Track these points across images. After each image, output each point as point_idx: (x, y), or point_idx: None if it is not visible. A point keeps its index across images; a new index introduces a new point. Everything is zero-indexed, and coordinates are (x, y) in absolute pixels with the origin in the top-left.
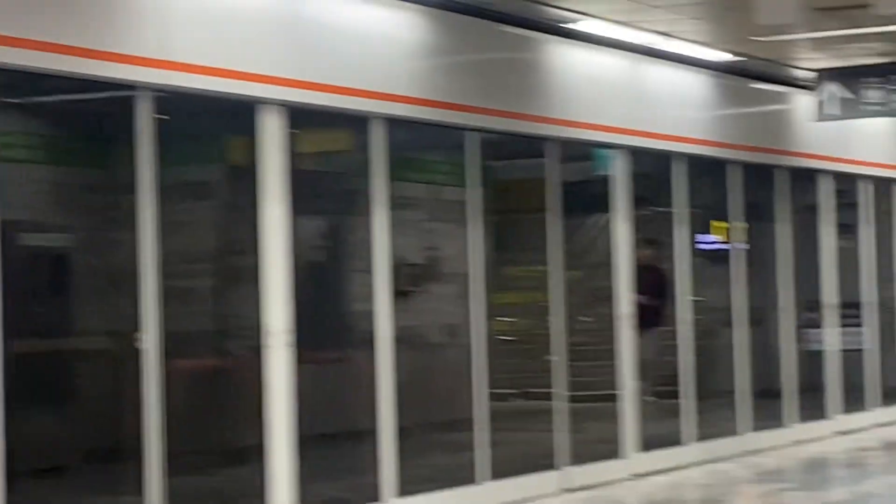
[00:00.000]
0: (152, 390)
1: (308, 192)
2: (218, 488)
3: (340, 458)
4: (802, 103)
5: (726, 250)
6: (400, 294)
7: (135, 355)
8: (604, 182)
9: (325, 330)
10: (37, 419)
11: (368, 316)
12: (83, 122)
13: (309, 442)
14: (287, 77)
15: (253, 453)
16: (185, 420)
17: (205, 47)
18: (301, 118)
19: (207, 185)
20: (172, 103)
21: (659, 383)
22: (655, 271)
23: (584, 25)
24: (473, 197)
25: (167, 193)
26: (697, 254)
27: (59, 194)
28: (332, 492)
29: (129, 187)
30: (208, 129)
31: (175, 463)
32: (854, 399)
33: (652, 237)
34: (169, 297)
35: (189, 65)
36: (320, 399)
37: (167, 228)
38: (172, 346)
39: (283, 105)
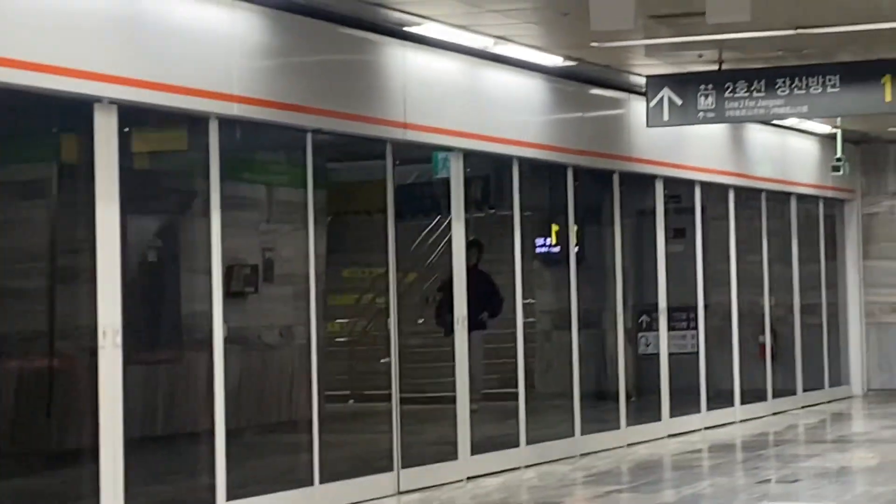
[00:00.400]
0: None
1: (142, 191)
2: (49, 490)
3: (173, 460)
4: (638, 109)
5: (562, 253)
6: (235, 295)
7: None
8: (441, 185)
9: (158, 331)
10: None
11: (202, 317)
12: None
13: (141, 444)
14: (122, 75)
15: (84, 455)
16: (15, 421)
17: (39, 44)
18: (136, 117)
19: (40, 183)
20: (4, 100)
21: (483, 389)
22: (479, 274)
23: (424, 29)
24: (312, 198)
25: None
26: (535, 257)
27: None
28: (164, 494)
29: None
30: (42, 126)
31: (5, 465)
32: (685, 402)
33: (475, 238)
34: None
35: (22, 62)
36: (153, 400)
37: None
38: (2, 346)
39: (117, 103)
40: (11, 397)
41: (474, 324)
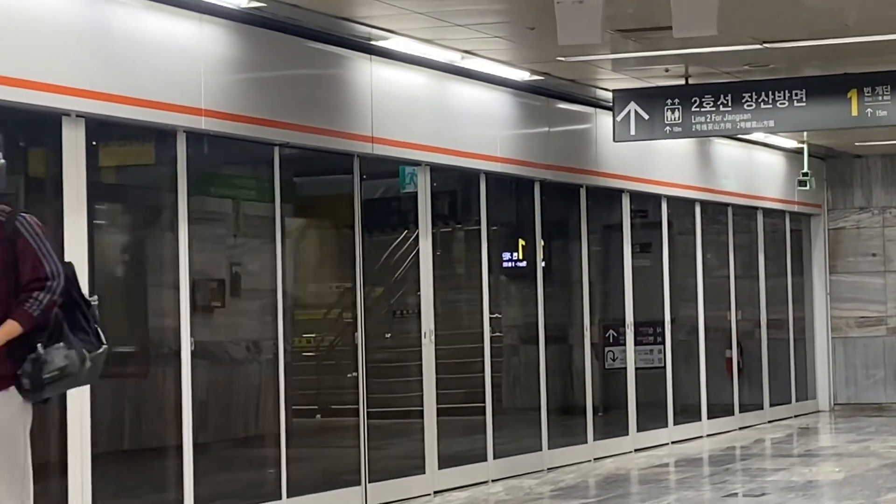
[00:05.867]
0: None
1: (110, 205)
2: None
3: (141, 474)
4: (604, 123)
5: (529, 268)
6: (202, 309)
7: None
8: (408, 199)
9: (125, 344)
10: None
11: (170, 331)
12: None
13: (109, 458)
14: (89, 89)
15: (52, 469)
16: None
17: (6, 58)
18: (103, 131)
19: (8, 197)
20: None
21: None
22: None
23: (391, 43)
24: (279, 212)
25: None
26: (502, 271)
27: None
28: None
29: None
30: (9, 140)
31: None
32: (652, 416)
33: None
34: None
35: None
36: (120, 414)
37: None
38: None
39: (85, 117)
40: None
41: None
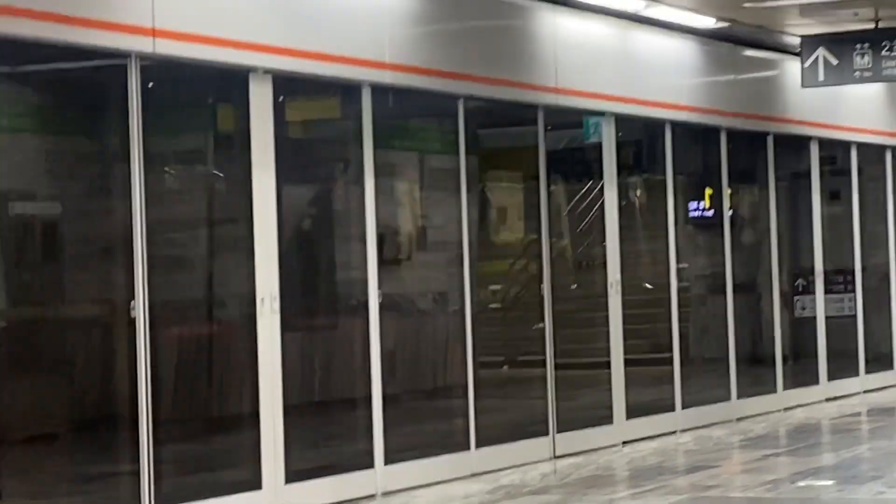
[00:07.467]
0: (144, 358)
1: (297, 159)
2: (210, 456)
3: (331, 425)
4: (792, 69)
5: (716, 217)
6: (389, 262)
7: (128, 324)
8: (593, 149)
9: (314, 297)
10: (29, 387)
11: (357, 283)
12: (74, 90)
13: (299, 409)
14: (276, 45)
15: (244, 421)
16: (176, 388)
17: (194, 16)
18: (290, 86)
19: (197, 153)
20: (162, 72)
21: None
22: None
23: None
24: (464, 165)
25: (157, 162)
26: (688, 221)
27: (50, 163)
28: (322, 459)
29: (121, 156)
30: (198, 97)
31: (167, 430)
32: (843, 365)
33: None
34: (159, 265)
35: (179, 33)
36: (309, 366)
37: (157, 197)
38: (163, 314)
39: (271, 73)
40: (172, 365)
41: None
